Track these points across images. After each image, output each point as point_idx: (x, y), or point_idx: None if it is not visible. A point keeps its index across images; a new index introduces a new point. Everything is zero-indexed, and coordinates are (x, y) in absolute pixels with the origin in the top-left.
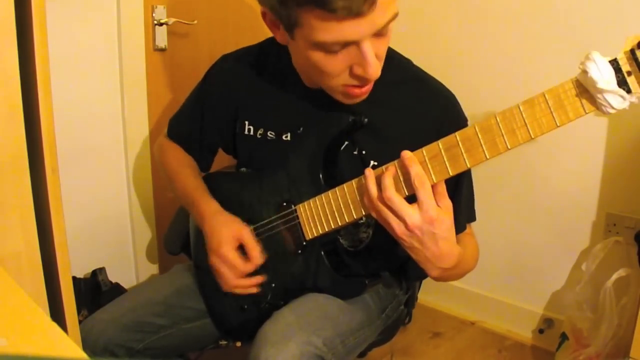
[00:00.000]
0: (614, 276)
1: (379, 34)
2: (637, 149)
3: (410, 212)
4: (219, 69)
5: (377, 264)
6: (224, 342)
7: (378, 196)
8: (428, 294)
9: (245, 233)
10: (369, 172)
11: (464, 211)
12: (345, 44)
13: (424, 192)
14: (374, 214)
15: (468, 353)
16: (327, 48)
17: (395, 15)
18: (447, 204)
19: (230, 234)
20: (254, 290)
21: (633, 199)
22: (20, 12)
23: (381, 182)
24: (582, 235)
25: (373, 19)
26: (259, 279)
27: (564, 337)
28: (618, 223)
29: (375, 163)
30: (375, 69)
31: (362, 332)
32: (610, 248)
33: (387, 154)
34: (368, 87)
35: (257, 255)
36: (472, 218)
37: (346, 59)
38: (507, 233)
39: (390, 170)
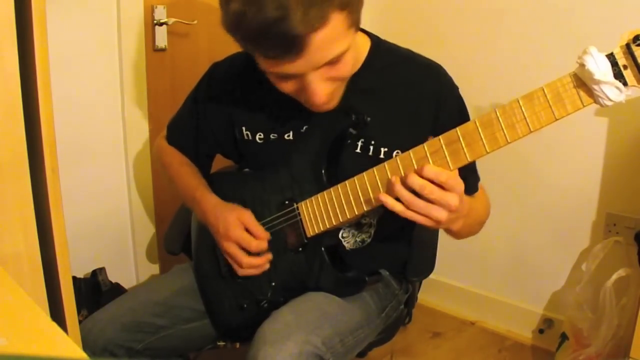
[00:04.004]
0: (614, 276)
1: (330, 63)
2: (637, 149)
3: (451, 197)
4: (209, 79)
5: (377, 263)
6: (222, 343)
7: (427, 189)
8: (428, 294)
9: (247, 214)
10: (412, 173)
11: (473, 174)
12: (290, 75)
13: (446, 174)
14: (411, 213)
15: (468, 353)
16: (277, 75)
17: (345, 51)
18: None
19: (235, 217)
20: (266, 267)
21: (633, 199)
22: (20, 12)
23: (426, 175)
24: (582, 235)
25: (310, 59)
26: (268, 255)
27: (564, 337)
28: (618, 223)
29: (386, 149)
30: (319, 99)
31: (361, 331)
32: (610, 248)
33: (395, 137)
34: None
35: (260, 230)
36: (478, 177)
37: (296, 84)
38: (508, 233)
39: (419, 159)
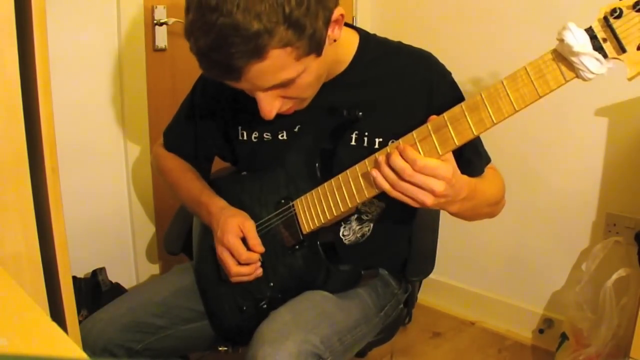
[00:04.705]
0: (614, 276)
1: (279, 86)
2: (637, 149)
3: (434, 182)
4: (203, 82)
5: (376, 260)
6: (223, 348)
7: (407, 173)
8: (428, 294)
9: (248, 224)
10: (395, 151)
11: (478, 156)
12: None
13: (432, 162)
14: (397, 194)
15: (468, 353)
16: None
17: (295, 77)
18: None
19: (235, 224)
20: (254, 275)
21: (633, 199)
22: (20, 12)
23: (405, 158)
24: (582, 235)
25: (251, 84)
26: (258, 269)
27: (564, 337)
28: (618, 223)
29: (381, 139)
30: (266, 115)
31: (359, 329)
32: (610, 248)
33: (389, 127)
34: (287, 110)
35: (255, 243)
36: (488, 159)
37: (249, 92)
38: (508, 233)
39: (406, 144)
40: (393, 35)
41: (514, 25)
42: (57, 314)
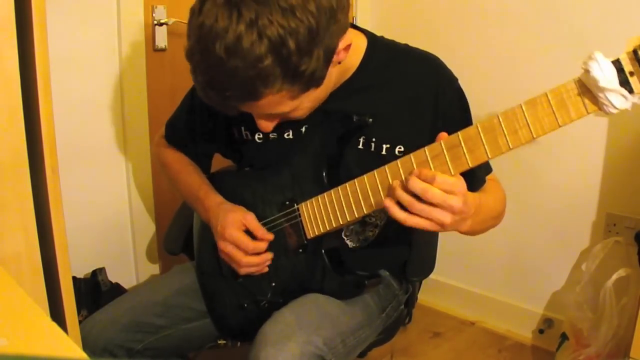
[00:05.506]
0: (614, 276)
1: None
2: (637, 149)
3: (453, 199)
4: None
5: (378, 262)
6: (222, 342)
7: (429, 193)
8: (428, 294)
9: (249, 217)
10: (412, 176)
11: (483, 168)
12: None
13: (449, 177)
14: (414, 219)
15: (468, 353)
16: None
17: (291, 110)
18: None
19: (236, 218)
20: (265, 267)
21: (633, 199)
22: (20, 12)
23: (424, 178)
24: (582, 235)
25: (248, 110)
26: (267, 255)
27: (564, 337)
28: (618, 223)
29: (388, 146)
30: (263, 129)
31: (362, 331)
32: (610, 248)
33: (396, 134)
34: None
35: (263, 232)
36: (489, 169)
37: None
38: (508, 233)
39: (420, 168)
40: (392, 35)
41: (514, 24)
42: (57, 314)
